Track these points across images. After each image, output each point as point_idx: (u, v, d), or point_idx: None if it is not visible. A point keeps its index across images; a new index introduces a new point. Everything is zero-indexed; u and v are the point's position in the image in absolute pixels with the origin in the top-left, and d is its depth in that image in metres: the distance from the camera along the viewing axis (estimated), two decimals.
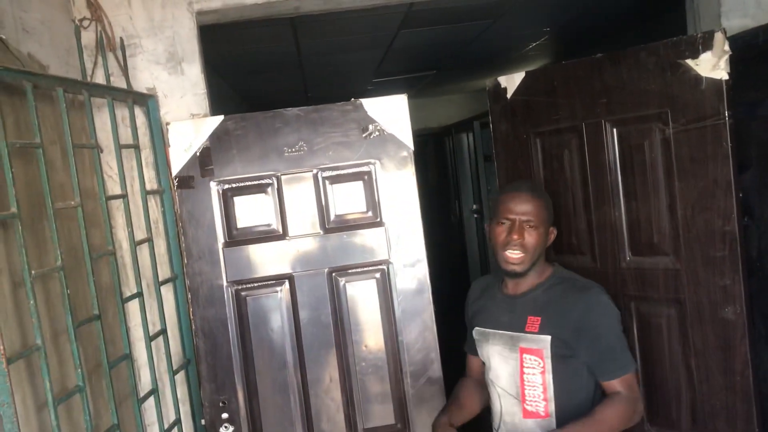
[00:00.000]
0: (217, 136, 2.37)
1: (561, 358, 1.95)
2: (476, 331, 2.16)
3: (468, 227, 7.59)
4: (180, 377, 2.49)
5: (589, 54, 2.36)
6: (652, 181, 2.24)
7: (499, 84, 2.64)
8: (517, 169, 2.64)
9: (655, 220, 2.25)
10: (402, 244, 2.44)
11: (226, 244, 2.39)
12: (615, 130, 2.32)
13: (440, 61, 5.56)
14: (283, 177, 2.40)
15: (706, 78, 2.07)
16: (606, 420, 1.91)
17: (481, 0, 3.45)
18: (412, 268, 2.45)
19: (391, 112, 2.43)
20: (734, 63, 2.06)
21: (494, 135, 2.72)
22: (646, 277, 2.29)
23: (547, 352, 1.96)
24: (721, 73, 2.05)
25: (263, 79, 5.45)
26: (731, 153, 2.05)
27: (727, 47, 2.03)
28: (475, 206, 7.24)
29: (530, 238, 1.99)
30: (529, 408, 2.00)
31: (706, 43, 2.06)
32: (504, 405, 2.06)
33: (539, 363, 1.97)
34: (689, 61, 2.10)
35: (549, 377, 1.97)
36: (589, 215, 2.41)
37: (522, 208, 2.00)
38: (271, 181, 2.40)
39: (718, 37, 2.04)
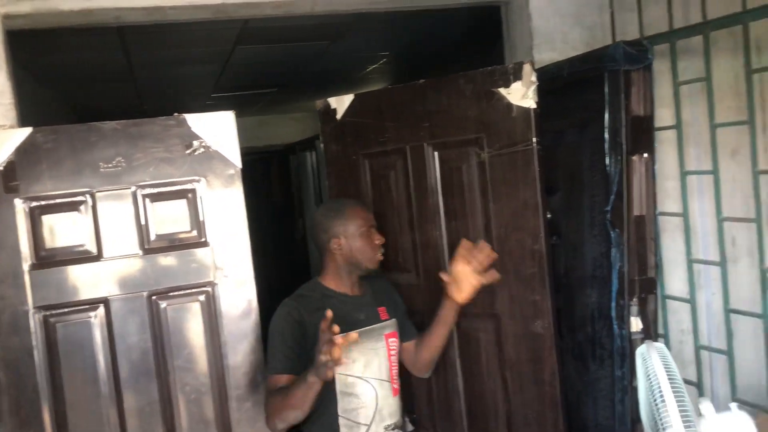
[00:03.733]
0: (24, 150, 2.20)
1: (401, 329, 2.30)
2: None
3: (311, 244, 7.59)
4: None
5: (427, 78, 2.43)
6: (469, 202, 2.35)
7: (329, 105, 2.67)
8: (347, 189, 2.66)
9: (472, 239, 2.33)
10: (229, 264, 2.38)
11: (33, 267, 2.21)
12: (436, 153, 2.41)
13: (281, 78, 5.55)
14: (98, 194, 2.26)
15: (516, 106, 2.21)
16: None
17: (317, 21, 3.48)
18: (238, 290, 2.39)
19: (217, 129, 2.37)
20: (543, 93, 2.21)
21: (326, 156, 2.74)
22: None
23: (398, 330, 2.27)
24: (530, 102, 2.19)
25: (94, 91, 5.18)
26: (539, 177, 2.20)
27: (534, 78, 2.18)
28: None
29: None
30: (395, 386, 2.22)
31: (517, 74, 2.20)
32: (380, 395, 2.17)
33: (397, 343, 2.26)
34: (502, 90, 2.23)
35: (398, 355, 2.27)
36: (414, 234, 2.49)
37: (371, 215, 2.27)
38: (84, 199, 2.26)
39: (527, 68, 2.18)
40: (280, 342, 2.09)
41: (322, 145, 2.76)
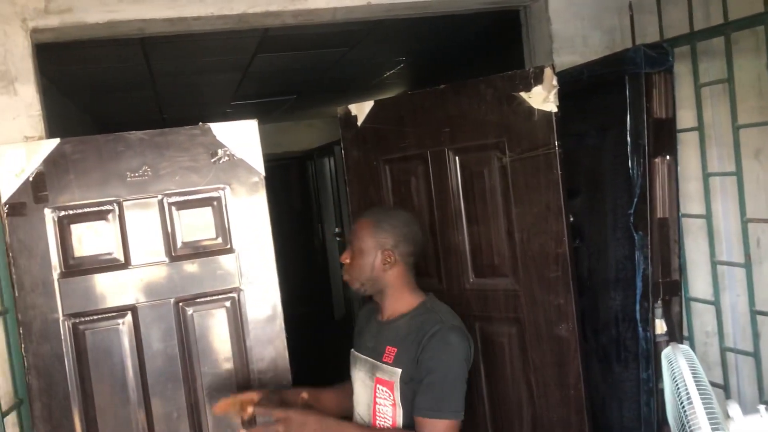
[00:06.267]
0: (52, 161, 2.24)
1: (409, 393, 1.92)
2: (351, 353, 2.16)
3: (331, 250, 7.64)
4: (12, 419, 2.31)
5: (444, 83, 2.44)
6: (491, 206, 2.35)
7: (350, 112, 2.69)
8: (368, 194, 2.68)
9: (495, 243, 2.36)
10: (254, 271, 2.41)
11: (62, 275, 2.25)
12: (457, 158, 2.42)
13: (300, 85, 5.59)
14: (125, 203, 2.30)
15: (538, 110, 2.21)
16: None
17: (336, 28, 3.51)
18: (264, 296, 2.41)
19: (241, 137, 2.40)
20: (563, 96, 2.21)
21: (346, 162, 2.76)
22: (488, 298, 2.39)
23: (397, 386, 1.94)
24: (551, 106, 2.19)
25: (114, 100, 5.24)
26: (561, 180, 2.20)
27: (555, 82, 2.18)
28: (337, 229, 7.30)
29: (351, 259, 2.05)
30: None
31: (538, 78, 2.21)
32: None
33: (389, 395, 1.96)
34: (523, 94, 2.24)
35: (399, 411, 1.95)
36: (436, 239, 2.50)
37: (351, 231, 2.10)
38: (112, 208, 2.30)
39: (548, 72, 2.19)
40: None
41: (342, 152, 2.78)
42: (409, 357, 1.93)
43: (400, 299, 2.05)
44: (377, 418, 2.01)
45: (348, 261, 2.06)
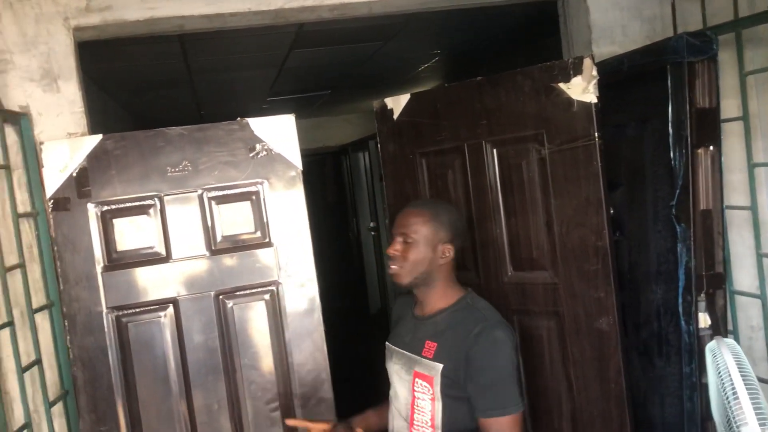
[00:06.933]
0: (95, 156, 2.29)
1: (450, 388, 1.89)
2: (386, 346, 2.12)
3: (366, 244, 7.65)
4: (58, 410, 2.37)
5: (480, 76, 2.42)
6: (530, 199, 2.33)
7: (386, 105, 2.69)
8: (404, 188, 2.68)
9: (533, 236, 2.34)
10: (292, 264, 2.43)
11: (105, 269, 2.30)
12: (495, 150, 2.40)
13: (335, 80, 5.60)
14: (166, 197, 2.34)
15: (577, 101, 2.18)
16: None
17: (371, 22, 3.50)
18: (302, 289, 2.43)
19: (278, 132, 2.42)
20: (603, 87, 2.18)
21: (382, 155, 2.76)
22: (527, 291, 2.37)
23: (437, 380, 1.90)
24: (591, 97, 2.16)
25: (153, 97, 5.31)
26: (601, 172, 2.16)
27: (595, 72, 2.15)
28: (372, 224, 7.31)
29: (405, 251, 1.94)
30: None
31: (577, 68, 2.17)
32: (396, 425, 2.05)
33: (429, 389, 1.93)
34: (562, 85, 2.21)
35: (438, 405, 1.91)
36: (473, 232, 2.48)
37: (403, 222, 1.97)
38: (153, 202, 2.34)
39: (587, 62, 2.16)
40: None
41: (378, 146, 2.78)
42: (452, 353, 1.89)
43: (444, 295, 2.00)
44: (416, 411, 2.00)
45: (398, 253, 1.96)
